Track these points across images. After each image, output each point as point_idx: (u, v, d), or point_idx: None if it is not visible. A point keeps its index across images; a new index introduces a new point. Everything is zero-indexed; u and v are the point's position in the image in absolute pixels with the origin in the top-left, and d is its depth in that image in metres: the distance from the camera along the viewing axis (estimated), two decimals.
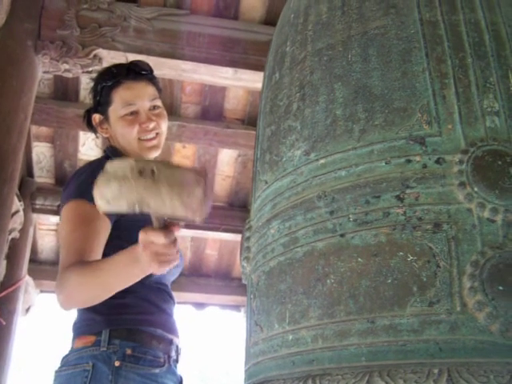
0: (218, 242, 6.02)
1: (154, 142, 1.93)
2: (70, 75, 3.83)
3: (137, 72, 1.93)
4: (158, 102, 1.96)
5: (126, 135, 1.88)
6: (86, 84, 4.51)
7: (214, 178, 5.30)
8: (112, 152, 1.90)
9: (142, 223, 1.84)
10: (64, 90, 4.51)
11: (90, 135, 4.99)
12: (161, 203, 1.11)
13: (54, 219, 5.31)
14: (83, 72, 3.79)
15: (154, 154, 1.97)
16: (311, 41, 1.56)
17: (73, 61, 3.68)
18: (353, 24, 1.51)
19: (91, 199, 1.65)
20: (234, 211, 5.37)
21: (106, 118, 1.92)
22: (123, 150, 1.91)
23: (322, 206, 1.33)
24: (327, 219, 1.31)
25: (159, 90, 1.99)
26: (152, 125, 1.90)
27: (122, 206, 1.14)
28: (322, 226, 1.32)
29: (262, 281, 1.47)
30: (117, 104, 1.89)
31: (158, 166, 1.11)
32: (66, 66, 3.69)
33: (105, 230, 1.69)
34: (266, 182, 1.49)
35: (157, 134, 1.93)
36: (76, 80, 4.35)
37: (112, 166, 1.17)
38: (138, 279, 1.52)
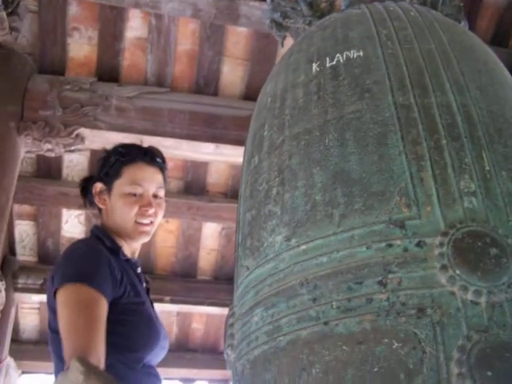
0: (204, 316, 5.93)
1: (148, 229, 1.93)
2: (52, 155, 3.85)
3: (152, 157, 1.96)
4: (162, 193, 1.97)
5: (124, 213, 1.87)
6: (68, 162, 4.53)
7: (198, 252, 5.27)
8: (101, 232, 1.88)
9: (140, 307, 1.82)
10: (47, 169, 4.52)
11: (73, 212, 4.98)
12: None
13: (37, 298, 5.21)
14: (65, 151, 3.82)
15: (144, 240, 1.97)
16: (289, 125, 1.58)
17: (55, 140, 3.71)
18: (329, 108, 1.54)
19: (90, 283, 1.64)
20: (219, 285, 5.31)
21: (109, 190, 1.91)
22: (114, 227, 1.89)
23: (305, 293, 1.31)
24: (310, 307, 1.29)
25: (165, 181, 2.01)
26: (151, 211, 1.91)
27: None
28: (305, 313, 1.30)
29: (247, 370, 1.43)
30: (125, 180, 1.89)
31: None
32: (49, 146, 3.72)
33: (105, 312, 1.67)
34: (248, 268, 1.48)
35: (151, 222, 1.93)
36: (59, 158, 4.37)
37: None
38: None
